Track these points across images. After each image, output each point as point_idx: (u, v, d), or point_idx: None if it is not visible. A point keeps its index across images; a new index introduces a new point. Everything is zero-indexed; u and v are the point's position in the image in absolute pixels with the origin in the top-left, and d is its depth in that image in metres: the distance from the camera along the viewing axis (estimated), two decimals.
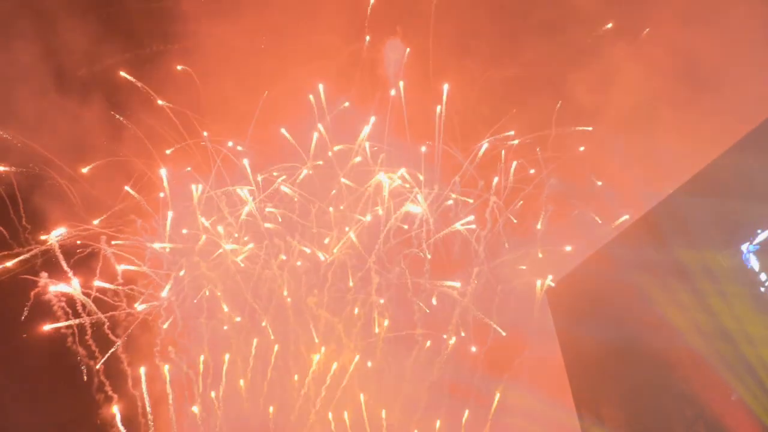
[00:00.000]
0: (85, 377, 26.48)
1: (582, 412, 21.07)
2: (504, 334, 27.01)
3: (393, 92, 26.68)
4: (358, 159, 27.91)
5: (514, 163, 27.90)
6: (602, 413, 20.10)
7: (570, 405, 21.61)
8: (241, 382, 28.67)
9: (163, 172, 27.27)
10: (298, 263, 28.49)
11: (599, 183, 26.39)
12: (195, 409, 28.04)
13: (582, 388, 21.40)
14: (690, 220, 16.23)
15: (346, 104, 27.50)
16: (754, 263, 14.59)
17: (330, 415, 28.31)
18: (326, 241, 27.94)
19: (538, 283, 26.68)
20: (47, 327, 25.49)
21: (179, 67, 26.99)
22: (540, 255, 27.37)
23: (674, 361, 16.47)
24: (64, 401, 26.42)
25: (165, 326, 27.71)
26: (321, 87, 27.09)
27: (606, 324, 19.55)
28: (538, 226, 27.37)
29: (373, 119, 27.34)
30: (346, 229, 28.28)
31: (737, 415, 14.35)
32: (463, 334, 27.91)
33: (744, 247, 14.73)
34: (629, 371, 18.52)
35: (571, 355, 22.18)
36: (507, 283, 27.83)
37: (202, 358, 28.40)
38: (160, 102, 26.93)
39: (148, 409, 27.30)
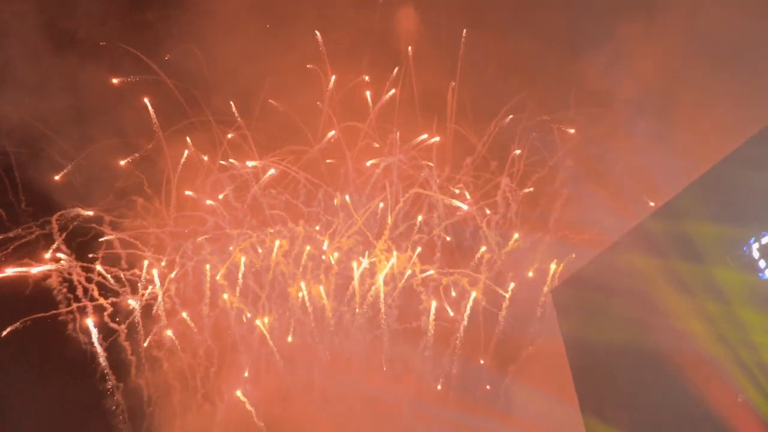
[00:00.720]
0: (87, 365, 26.04)
1: (586, 412, 20.99)
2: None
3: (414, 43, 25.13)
4: (375, 145, 26.76)
5: (533, 133, 26.49)
6: (607, 414, 19.97)
7: (574, 405, 21.57)
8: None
9: (146, 101, 25.92)
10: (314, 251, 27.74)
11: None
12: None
13: (587, 388, 21.27)
14: (697, 220, 16.08)
15: (366, 78, 26.42)
16: (762, 264, 14.41)
17: None
18: (325, 246, 27.33)
19: (552, 266, 26.03)
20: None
21: (166, 57, 26.01)
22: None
23: (680, 362, 16.32)
24: (66, 389, 25.91)
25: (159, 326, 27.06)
26: (318, 34, 26.03)
27: (611, 324, 19.41)
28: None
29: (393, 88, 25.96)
30: (347, 197, 27.14)
31: (744, 416, 14.22)
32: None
33: (752, 248, 14.57)
34: (635, 372, 18.40)
35: (575, 355, 22.03)
36: (518, 270, 27.10)
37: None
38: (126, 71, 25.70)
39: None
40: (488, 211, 27.43)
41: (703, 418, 15.27)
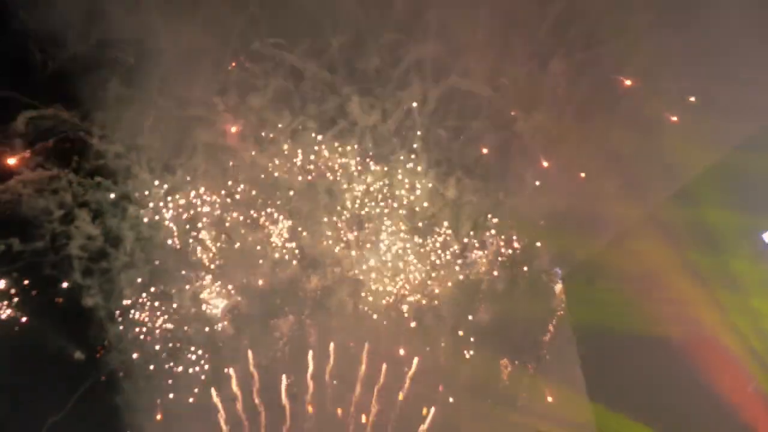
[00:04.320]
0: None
1: (595, 399, 21.07)
2: None
3: None
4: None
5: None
6: (617, 402, 20.02)
7: (584, 394, 21.62)
8: None
9: None
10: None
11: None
12: None
13: (596, 375, 21.36)
14: (710, 209, 15.98)
15: None
16: None
17: None
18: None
19: None
20: None
21: None
22: None
23: (691, 350, 16.30)
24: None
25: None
26: None
27: (622, 312, 19.37)
28: None
29: None
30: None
31: (755, 405, 14.24)
32: None
33: (765, 237, 14.48)
34: (646, 360, 18.36)
35: (585, 342, 22.09)
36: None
37: None
38: None
39: None
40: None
41: (714, 407, 15.27)
